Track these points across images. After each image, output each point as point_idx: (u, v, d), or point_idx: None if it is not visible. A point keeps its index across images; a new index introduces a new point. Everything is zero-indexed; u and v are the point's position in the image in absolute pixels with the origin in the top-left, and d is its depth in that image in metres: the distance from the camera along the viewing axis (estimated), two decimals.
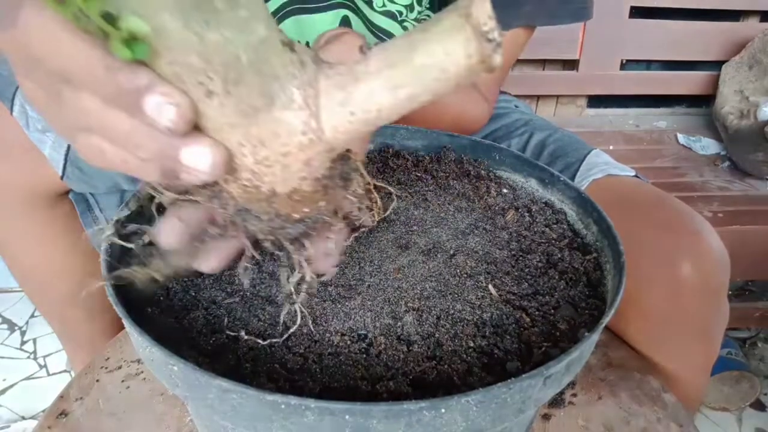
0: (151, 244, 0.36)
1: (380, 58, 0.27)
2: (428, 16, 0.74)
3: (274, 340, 0.35)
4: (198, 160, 0.26)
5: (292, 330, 0.36)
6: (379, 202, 0.39)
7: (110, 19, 0.23)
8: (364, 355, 0.35)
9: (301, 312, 0.34)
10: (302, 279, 0.33)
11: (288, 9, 0.71)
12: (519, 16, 0.70)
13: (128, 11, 0.23)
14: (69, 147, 0.66)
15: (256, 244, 0.34)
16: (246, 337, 0.35)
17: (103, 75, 0.24)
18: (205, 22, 0.24)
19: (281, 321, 0.37)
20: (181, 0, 0.23)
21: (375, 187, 0.37)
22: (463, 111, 0.72)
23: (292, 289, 0.33)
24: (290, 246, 0.33)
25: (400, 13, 0.71)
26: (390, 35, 0.72)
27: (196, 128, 0.27)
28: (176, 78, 0.25)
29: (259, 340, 0.35)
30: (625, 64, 1.51)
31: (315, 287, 0.34)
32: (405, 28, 0.72)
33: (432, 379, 0.34)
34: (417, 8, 0.72)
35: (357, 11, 0.72)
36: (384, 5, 0.71)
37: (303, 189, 0.31)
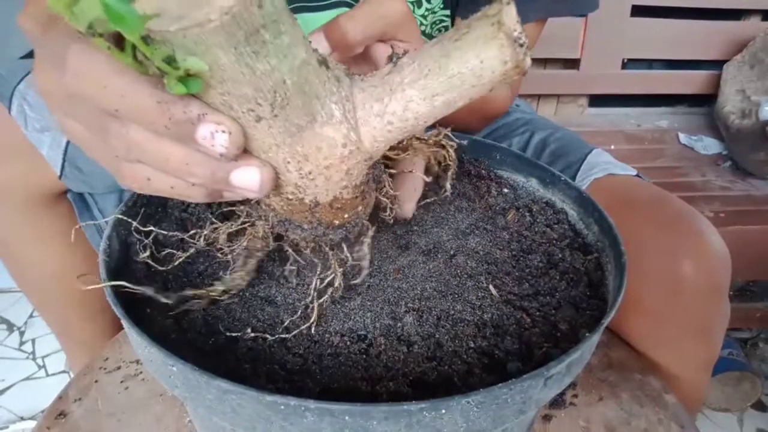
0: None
1: (414, 68, 0.28)
2: (434, 12, 0.73)
3: (284, 336, 0.35)
4: (247, 180, 0.28)
5: (301, 328, 0.36)
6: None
7: (168, 60, 0.24)
8: (364, 356, 0.35)
9: (317, 312, 0.36)
10: (330, 283, 0.35)
11: (291, 7, 0.71)
12: (537, 9, 0.70)
13: (184, 51, 0.24)
14: (67, 147, 0.66)
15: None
16: (253, 334, 0.35)
17: (155, 109, 0.25)
18: (255, 54, 0.25)
19: (286, 321, 0.37)
20: (232, 36, 0.24)
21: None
22: (487, 98, 0.72)
23: (315, 294, 0.35)
24: (330, 251, 0.35)
25: None
26: None
27: (243, 150, 0.28)
28: (226, 106, 0.26)
29: (267, 336, 0.35)
30: (627, 64, 1.51)
31: (340, 293, 0.36)
32: None
33: (432, 380, 0.34)
34: (426, 5, 0.72)
35: None
36: None
37: (343, 197, 0.32)
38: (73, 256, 0.78)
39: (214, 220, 0.40)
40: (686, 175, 1.31)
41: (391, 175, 0.37)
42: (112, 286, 0.35)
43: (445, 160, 0.39)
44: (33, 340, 1.34)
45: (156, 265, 0.39)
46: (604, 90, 1.54)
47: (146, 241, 0.39)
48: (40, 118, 0.65)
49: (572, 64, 1.47)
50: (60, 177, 0.67)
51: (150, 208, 0.45)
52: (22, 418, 1.15)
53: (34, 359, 1.30)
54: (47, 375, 1.26)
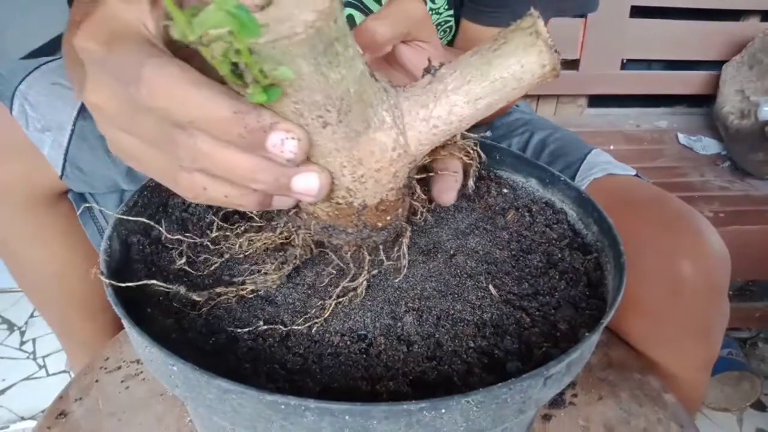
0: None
1: (456, 76, 0.31)
2: (439, 13, 0.73)
3: (296, 327, 0.36)
4: (307, 185, 0.30)
5: (315, 321, 0.37)
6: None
7: (245, 72, 0.26)
8: (364, 356, 0.35)
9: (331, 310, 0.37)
10: (355, 286, 0.37)
11: None
12: (544, 9, 0.70)
13: (272, 62, 0.26)
14: (68, 146, 0.66)
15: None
16: (265, 327, 0.36)
17: (231, 119, 0.27)
18: (329, 64, 0.27)
19: (287, 320, 0.37)
20: (314, 48, 0.26)
21: None
22: None
23: (337, 291, 0.37)
24: (368, 255, 0.37)
25: None
26: None
27: None
28: (296, 114, 0.28)
29: (281, 327, 0.36)
30: (626, 64, 1.51)
31: (361, 296, 0.38)
32: None
33: (432, 380, 0.34)
34: (430, 4, 0.72)
35: (364, 10, 0.72)
36: None
37: (388, 199, 0.35)
38: (74, 256, 0.78)
39: (247, 228, 0.41)
40: (685, 175, 1.31)
41: (428, 176, 0.40)
42: (113, 286, 0.36)
43: (469, 156, 0.41)
44: (33, 340, 1.34)
45: (191, 270, 0.40)
46: (603, 90, 1.54)
47: (182, 248, 0.41)
48: (41, 118, 0.65)
49: (571, 64, 1.47)
50: (61, 177, 0.67)
51: (150, 208, 0.45)
52: (22, 418, 1.15)
53: (34, 359, 1.30)
54: (48, 375, 1.26)
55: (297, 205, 0.35)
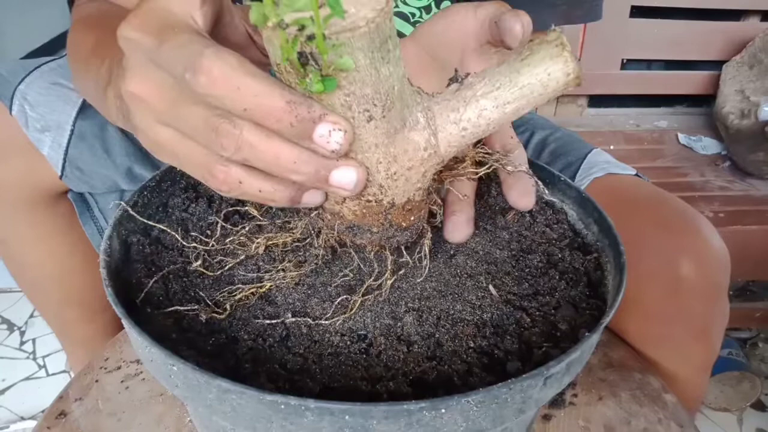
0: None
1: (485, 83, 0.34)
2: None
3: (322, 321, 0.37)
4: (345, 179, 0.31)
5: (339, 317, 0.37)
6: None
7: (310, 59, 0.28)
8: (364, 356, 0.35)
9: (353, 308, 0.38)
10: (378, 285, 0.38)
11: None
12: (555, 17, 0.71)
13: (335, 53, 0.28)
14: (68, 146, 0.66)
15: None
16: (292, 319, 0.37)
17: (284, 108, 0.28)
18: (382, 59, 0.29)
19: (288, 321, 0.37)
20: (372, 42, 0.28)
21: None
22: None
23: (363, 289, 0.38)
24: (390, 255, 0.38)
25: (413, 15, 0.71)
26: (401, 35, 0.72)
27: None
28: (345, 107, 0.30)
29: (309, 320, 0.37)
30: (626, 64, 1.51)
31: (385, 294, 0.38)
32: None
33: (432, 380, 0.34)
34: (435, 10, 0.72)
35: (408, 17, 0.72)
36: (397, 6, 0.71)
37: (415, 199, 0.36)
38: (73, 256, 0.78)
39: (251, 227, 0.42)
40: (685, 175, 1.31)
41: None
42: (113, 285, 0.36)
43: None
44: (33, 340, 1.34)
45: (206, 272, 0.40)
46: (603, 90, 1.54)
47: (200, 249, 0.41)
48: (41, 118, 0.65)
49: None
50: (61, 177, 0.67)
51: (150, 208, 0.45)
52: (22, 418, 1.15)
53: (34, 359, 1.30)
54: (47, 375, 1.26)
55: (320, 206, 0.36)
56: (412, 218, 0.37)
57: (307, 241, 0.40)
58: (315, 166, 0.30)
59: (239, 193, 0.31)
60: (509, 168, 0.43)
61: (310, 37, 0.27)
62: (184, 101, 0.30)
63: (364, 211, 0.35)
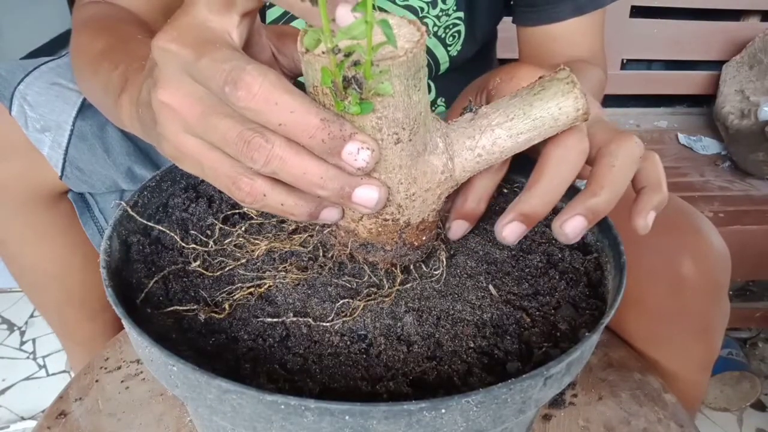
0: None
1: (500, 113, 0.36)
2: (448, 14, 0.73)
3: (324, 324, 0.37)
4: (367, 197, 0.32)
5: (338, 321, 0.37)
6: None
7: (353, 83, 0.30)
8: (364, 356, 0.35)
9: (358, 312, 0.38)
10: (386, 296, 0.39)
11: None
12: (571, 8, 0.70)
13: (377, 79, 0.29)
14: (68, 147, 0.66)
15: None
16: (293, 319, 0.37)
17: (318, 126, 0.29)
18: (414, 87, 0.31)
19: (288, 321, 0.37)
20: (408, 70, 0.30)
21: None
22: (600, 80, 0.74)
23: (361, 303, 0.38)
24: (401, 274, 0.39)
25: (422, 9, 0.71)
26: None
27: None
28: (375, 129, 0.31)
29: (309, 320, 0.37)
30: (626, 64, 1.51)
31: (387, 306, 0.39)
32: (425, 24, 0.72)
33: (432, 380, 0.34)
34: (441, 5, 0.72)
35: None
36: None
37: (428, 219, 0.38)
38: (73, 256, 0.78)
39: (247, 227, 0.43)
40: (685, 175, 1.31)
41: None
42: (113, 285, 0.36)
43: None
44: (33, 340, 1.34)
45: (206, 272, 0.40)
46: None
47: (200, 249, 0.42)
48: (40, 118, 0.65)
49: None
50: (61, 177, 0.67)
51: (151, 208, 0.45)
52: (22, 418, 1.15)
53: (34, 359, 1.30)
54: (48, 375, 1.26)
55: (334, 223, 0.37)
56: (425, 238, 0.38)
57: (311, 252, 0.41)
58: (340, 183, 0.31)
59: (261, 205, 0.32)
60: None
61: (356, 63, 0.29)
62: (216, 113, 0.31)
63: (380, 229, 0.36)
